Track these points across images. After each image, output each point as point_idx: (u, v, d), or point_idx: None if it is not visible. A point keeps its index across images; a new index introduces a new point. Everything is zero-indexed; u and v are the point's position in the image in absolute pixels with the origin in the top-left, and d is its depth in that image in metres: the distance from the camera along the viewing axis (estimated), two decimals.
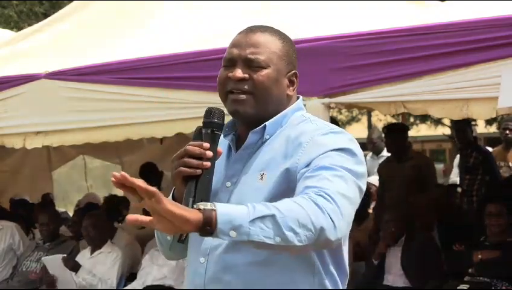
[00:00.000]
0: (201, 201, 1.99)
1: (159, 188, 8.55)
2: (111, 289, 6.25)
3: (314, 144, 2.09)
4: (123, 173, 1.85)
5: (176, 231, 1.88)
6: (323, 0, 5.22)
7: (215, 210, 1.85)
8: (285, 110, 2.22)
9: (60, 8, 8.38)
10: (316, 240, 1.90)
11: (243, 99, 2.17)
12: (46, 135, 5.49)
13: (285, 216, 1.87)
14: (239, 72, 2.17)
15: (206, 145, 2.08)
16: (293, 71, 2.24)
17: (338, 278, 2.17)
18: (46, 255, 6.72)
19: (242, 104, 2.17)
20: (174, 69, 4.97)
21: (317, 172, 2.00)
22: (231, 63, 2.20)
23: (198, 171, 2.06)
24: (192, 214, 1.84)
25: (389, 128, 7.65)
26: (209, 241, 2.14)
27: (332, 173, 2.00)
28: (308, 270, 2.11)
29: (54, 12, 8.10)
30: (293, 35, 4.66)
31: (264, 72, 2.17)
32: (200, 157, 2.06)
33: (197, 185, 2.06)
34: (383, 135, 8.50)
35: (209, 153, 2.07)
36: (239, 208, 1.89)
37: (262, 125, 2.18)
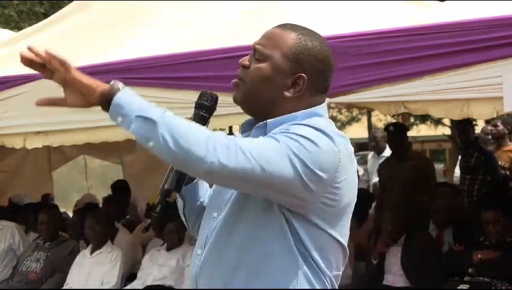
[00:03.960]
0: (176, 178, 2.18)
1: (127, 204, 8.51)
2: (111, 289, 6.26)
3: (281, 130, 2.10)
4: (31, 46, 2.04)
5: (84, 104, 2.06)
6: (323, 1, 5.22)
7: (119, 90, 2.04)
8: (296, 112, 2.17)
9: (60, 8, 8.37)
10: (180, 160, 1.97)
11: (235, 84, 2.22)
12: (46, 135, 5.49)
13: (167, 125, 1.96)
14: (243, 59, 2.23)
15: None
16: (300, 74, 2.17)
17: (325, 267, 2.14)
18: (46, 255, 6.72)
19: (235, 88, 2.23)
20: (174, 69, 4.97)
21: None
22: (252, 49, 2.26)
23: None
24: (100, 86, 2.05)
25: (389, 127, 7.67)
26: (206, 233, 2.20)
27: (268, 141, 2.02)
28: (291, 259, 2.10)
29: (54, 12, 8.10)
30: None
31: (259, 64, 2.18)
32: None
33: None
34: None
35: None
36: (141, 100, 2.06)
37: (263, 122, 2.18)
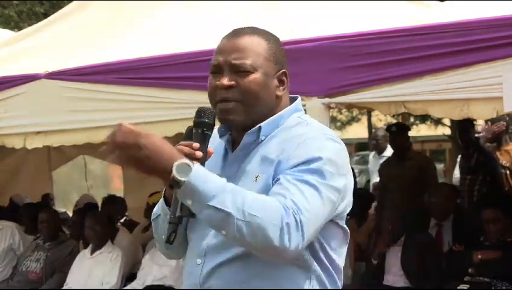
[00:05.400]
0: None
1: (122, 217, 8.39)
2: (111, 289, 6.26)
3: (304, 148, 2.09)
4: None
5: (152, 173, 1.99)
6: (323, 0, 5.22)
7: (190, 170, 1.95)
8: (281, 111, 2.21)
9: (60, 8, 8.36)
10: (255, 248, 1.99)
11: (231, 108, 2.15)
12: (46, 135, 5.49)
13: (244, 217, 1.94)
14: (226, 80, 2.15)
15: (196, 145, 2.09)
16: (282, 70, 2.22)
17: (334, 273, 2.20)
18: (46, 255, 6.72)
19: (231, 113, 2.16)
20: (174, 69, 4.97)
21: (299, 183, 2.02)
22: (218, 70, 2.19)
23: None
24: (170, 161, 1.95)
25: (392, 127, 7.69)
26: (206, 242, 2.16)
27: (313, 191, 2.03)
28: (302, 269, 2.13)
29: (54, 12, 8.09)
30: (293, 35, 4.69)
31: (251, 77, 2.15)
32: (189, 157, 2.07)
33: None
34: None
35: (199, 153, 2.08)
36: (213, 183, 1.97)
37: (257, 126, 2.18)
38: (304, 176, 2.03)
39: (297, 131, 2.16)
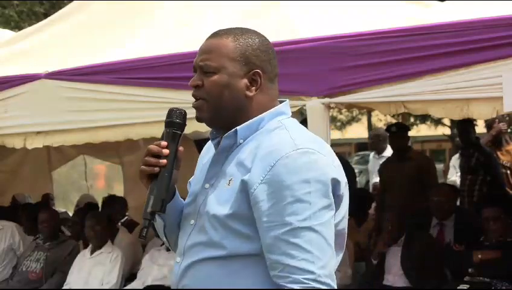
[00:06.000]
0: (160, 199, 2.14)
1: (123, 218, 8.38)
2: (111, 289, 6.26)
3: (275, 174, 2.07)
4: None
5: None
6: (323, 0, 5.23)
7: None
8: (262, 114, 2.22)
9: (60, 8, 8.37)
10: None
11: (198, 106, 2.25)
12: (46, 135, 5.49)
13: None
14: (193, 80, 2.27)
15: (164, 143, 2.20)
16: (254, 71, 2.22)
17: None
18: (46, 255, 6.72)
19: (198, 110, 2.25)
20: (174, 69, 4.97)
21: (290, 240, 2.02)
22: (194, 70, 2.30)
23: (156, 169, 2.18)
24: None
25: (392, 128, 7.69)
26: (186, 241, 2.21)
27: (307, 235, 2.02)
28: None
29: (54, 12, 8.09)
30: (293, 35, 4.68)
31: (213, 77, 2.22)
32: (158, 155, 2.18)
33: (156, 182, 2.18)
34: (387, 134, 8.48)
35: (165, 151, 2.18)
36: None
37: (233, 130, 2.21)
38: (291, 223, 2.03)
39: (273, 138, 2.15)
